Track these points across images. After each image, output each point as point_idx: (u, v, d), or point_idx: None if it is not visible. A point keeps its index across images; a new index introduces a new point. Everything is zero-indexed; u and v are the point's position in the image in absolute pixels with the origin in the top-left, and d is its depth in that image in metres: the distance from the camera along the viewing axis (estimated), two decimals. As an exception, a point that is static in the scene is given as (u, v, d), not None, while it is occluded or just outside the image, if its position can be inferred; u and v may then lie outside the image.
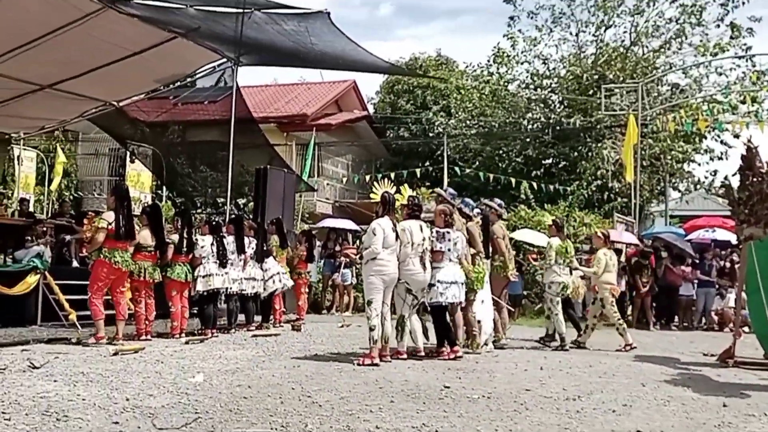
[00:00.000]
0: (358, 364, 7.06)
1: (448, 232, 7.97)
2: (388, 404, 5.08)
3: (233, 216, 12.07)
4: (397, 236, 7.47)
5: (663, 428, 4.58)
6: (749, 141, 7.87)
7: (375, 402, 5.13)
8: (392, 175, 22.07)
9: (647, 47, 22.38)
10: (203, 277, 9.69)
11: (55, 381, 5.51)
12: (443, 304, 7.91)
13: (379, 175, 23.76)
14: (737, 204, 7.97)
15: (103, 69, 12.81)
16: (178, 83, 15.08)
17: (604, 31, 22.71)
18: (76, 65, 12.69)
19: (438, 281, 7.81)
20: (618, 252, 15.58)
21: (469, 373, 6.88)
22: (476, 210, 9.37)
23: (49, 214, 19.43)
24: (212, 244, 9.86)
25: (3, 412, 4.33)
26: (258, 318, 11.35)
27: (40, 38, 11.39)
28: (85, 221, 9.97)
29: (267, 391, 5.45)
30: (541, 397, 5.60)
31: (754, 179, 7.69)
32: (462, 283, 8.00)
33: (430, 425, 4.43)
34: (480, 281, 8.46)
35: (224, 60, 13.59)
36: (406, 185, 8.32)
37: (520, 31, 23.56)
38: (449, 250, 7.92)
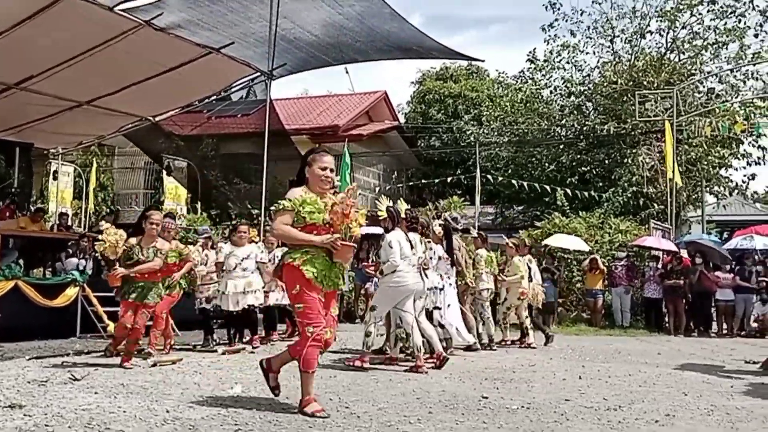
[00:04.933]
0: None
1: (429, 241, 8.59)
2: (427, 415, 5.05)
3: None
4: (412, 246, 7.79)
5: (708, 439, 4.49)
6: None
7: (413, 413, 5.10)
8: (422, 182, 22.24)
9: (683, 54, 22.10)
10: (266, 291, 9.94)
11: (95, 393, 5.57)
12: (429, 309, 8.51)
13: (410, 183, 23.93)
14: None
15: (139, 85, 13.05)
16: (213, 98, 15.26)
17: (640, 38, 22.49)
18: (112, 82, 12.94)
19: None
20: (656, 259, 15.44)
21: (506, 383, 6.82)
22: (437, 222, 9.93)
23: (87, 228, 19.82)
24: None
25: (46, 425, 4.38)
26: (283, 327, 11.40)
27: (78, 56, 11.67)
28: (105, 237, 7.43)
29: (305, 402, 5.46)
30: (582, 407, 5.52)
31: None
32: (440, 290, 8.66)
33: (470, 436, 4.39)
34: None
35: (257, 74, 13.73)
36: (402, 199, 8.51)
37: (556, 35, 23.40)
38: (431, 258, 8.51)
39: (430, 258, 8.46)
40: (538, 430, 4.63)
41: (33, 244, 12.26)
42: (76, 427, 4.37)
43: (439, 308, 8.75)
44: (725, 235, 31.62)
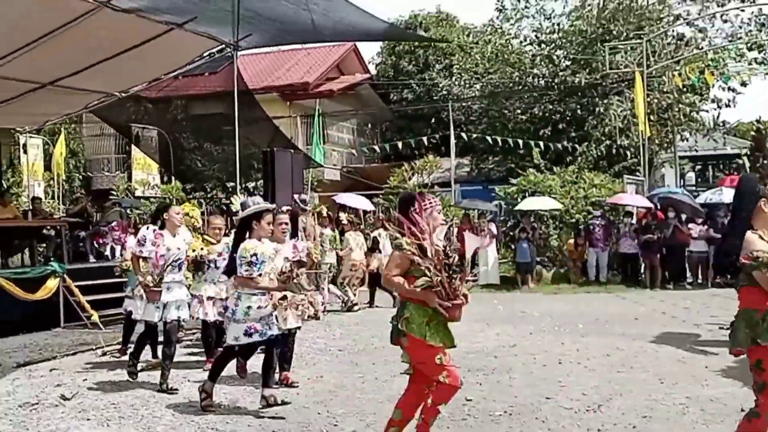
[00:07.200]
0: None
1: None
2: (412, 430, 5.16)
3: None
4: None
5: (684, 449, 4.68)
6: (758, 122, 7.80)
7: (400, 428, 5.22)
8: (400, 144, 22.10)
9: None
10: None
11: (87, 419, 5.63)
12: None
13: (387, 145, 23.79)
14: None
15: (103, 64, 12.73)
16: (179, 72, 14.93)
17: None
18: (75, 62, 12.59)
19: None
20: (629, 214, 15.67)
21: (489, 376, 7.00)
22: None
23: (61, 198, 19.64)
24: None
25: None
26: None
27: (38, 39, 11.31)
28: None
29: (293, 418, 5.58)
30: (562, 409, 5.71)
31: (765, 161, 7.65)
32: None
33: (457, 461, 4.54)
34: None
35: (223, 46, 13.45)
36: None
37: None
38: None
39: None
40: (522, 448, 4.80)
41: (6, 233, 12.14)
42: (72, 474, 4.45)
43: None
44: (698, 166, 32.11)
